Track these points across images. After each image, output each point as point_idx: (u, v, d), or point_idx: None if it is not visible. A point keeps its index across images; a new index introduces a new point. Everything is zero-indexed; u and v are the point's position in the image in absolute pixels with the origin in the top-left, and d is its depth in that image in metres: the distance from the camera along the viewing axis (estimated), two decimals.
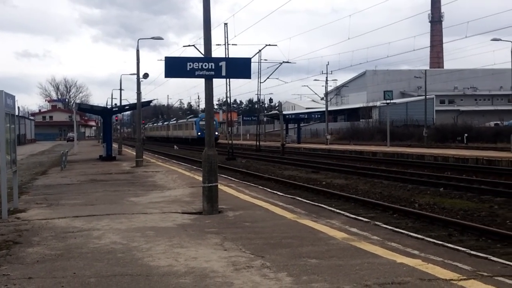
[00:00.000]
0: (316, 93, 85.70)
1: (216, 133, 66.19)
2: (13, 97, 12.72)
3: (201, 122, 68.16)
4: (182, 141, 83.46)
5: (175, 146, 71.02)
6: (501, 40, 41.50)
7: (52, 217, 11.58)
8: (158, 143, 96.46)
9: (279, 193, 16.49)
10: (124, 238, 8.99)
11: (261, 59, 48.58)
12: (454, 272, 6.54)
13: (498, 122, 68.96)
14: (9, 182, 12.72)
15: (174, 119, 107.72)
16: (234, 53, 62.03)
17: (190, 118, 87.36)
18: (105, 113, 41.64)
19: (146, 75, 36.32)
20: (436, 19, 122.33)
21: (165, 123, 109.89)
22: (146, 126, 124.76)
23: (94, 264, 7.23)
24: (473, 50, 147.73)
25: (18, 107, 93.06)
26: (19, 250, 8.22)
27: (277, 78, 59.49)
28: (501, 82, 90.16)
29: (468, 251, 8.23)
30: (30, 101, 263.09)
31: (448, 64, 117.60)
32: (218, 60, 11.91)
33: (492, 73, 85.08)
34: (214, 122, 63.99)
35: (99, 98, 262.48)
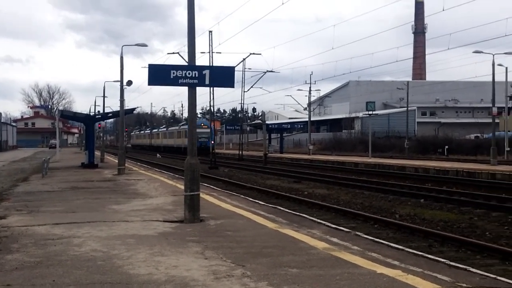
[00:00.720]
0: (299, 103, 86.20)
1: (213, 142, 62.96)
2: None
3: (197, 130, 68.45)
4: (173, 150, 78.29)
5: (158, 155, 70.69)
6: (482, 52, 41.89)
7: (32, 224, 11.47)
8: (144, 152, 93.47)
9: (261, 202, 16.49)
10: (104, 246, 8.93)
11: (245, 68, 48.73)
12: (434, 283, 6.58)
13: (479, 135, 69.60)
14: None
15: (164, 126, 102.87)
16: (219, 61, 62.11)
17: (183, 125, 77.77)
18: (88, 120, 41.57)
19: (129, 83, 36.23)
20: (419, 30, 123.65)
21: (154, 130, 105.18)
22: (132, 133, 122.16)
23: (73, 271, 7.17)
24: (455, 62, 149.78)
25: (0, 113, 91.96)
26: None
27: (260, 87, 59.75)
28: (482, 95, 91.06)
29: (448, 262, 8.28)
30: (12, 107, 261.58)
31: (430, 76, 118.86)
32: (201, 68, 11.90)
33: (474, 86, 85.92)
34: (209, 131, 62.85)
35: (82, 105, 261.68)
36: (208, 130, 66.39)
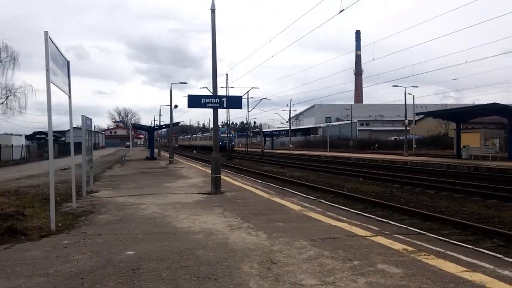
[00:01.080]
0: (283, 118, 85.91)
1: (233, 142, 61.53)
2: (90, 119, 12.62)
3: (222, 135, 59.40)
4: (204, 148, 73.90)
5: (194, 151, 70.32)
6: (398, 86, 42.03)
7: (114, 195, 11.49)
8: (186, 150, 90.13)
9: (259, 181, 16.44)
10: (160, 209, 8.92)
11: (248, 97, 48.75)
12: (368, 231, 6.57)
13: (396, 137, 69.43)
14: (88, 174, 12.63)
15: (200, 132, 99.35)
16: (232, 92, 62.02)
17: (208, 132, 75.22)
18: (149, 130, 42.26)
19: (176, 106, 36.32)
20: (358, 72, 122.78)
21: (193, 135, 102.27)
22: (179, 138, 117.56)
23: (141, 226, 7.18)
24: (381, 92, 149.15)
25: (94, 126, 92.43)
26: (93, 217, 8.14)
27: (259, 109, 61.09)
28: (398, 112, 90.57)
29: (377, 218, 8.26)
30: (102, 122, 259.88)
31: (366, 101, 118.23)
32: (221, 97, 11.89)
33: (393, 107, 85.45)
34: (231, 135, 57.81)
35: (146, 120, 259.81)
36: (229, 135, 62.16)
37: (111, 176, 19.00)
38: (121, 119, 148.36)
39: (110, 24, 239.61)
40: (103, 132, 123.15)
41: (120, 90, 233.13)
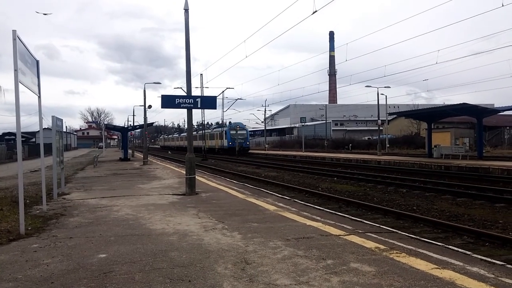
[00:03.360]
0: (258, 118, 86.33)
1: (248, 143, 50.47)
2: (61, 120, 12.31)
3: (232, 132, 48.93)
4: (208, 151, 53.36)
5: (169, 151, 69.08)
6: (371, 86, 42.88)
7: (86, 197, 11.22)
8: (164, 150, 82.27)
9: (234, 181, 16.41)
10: (134, 211, 8.78)
11: (223, 97, 48.44)
12: (341, 230, 6.65)
13: (370, 137, 70.66)
14: (59, 175, 12.31)
15: (194, 129, 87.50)
16: (207, 92, 61.18)
17: (216, 128, 58.79)
18: (123, 130, 41.64)
19: (149, 106, 35.80)
20: (332, 73, 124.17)
21: (169, 136, 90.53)
22: (161, 137, 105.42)
23: (113, 228, 7.04)
24: (354, 92, 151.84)
25: (66, 127, 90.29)
26: (64, 220, 7.93)
27: (234, 109, 60.70)
28: (371, 112, 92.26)
29: (350, 217, 8.38)
30: (74, 123, 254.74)
31: (340, 101, 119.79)
32: (195, 97, 11.78)
33: (366, 107, 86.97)
34: (245, 132, 49.24)
35: (120, 121, 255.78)
36: (245, 132, 50.24)
37: (83, 177, 18.56)
38: (93, 120, 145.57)
39: (81, 23, 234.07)
40: (75, 133, 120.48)
41: (93, 90, 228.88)
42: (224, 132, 50.25)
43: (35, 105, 8.91)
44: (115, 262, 4.98)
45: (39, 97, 8.82)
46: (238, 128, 49.62)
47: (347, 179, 18.86)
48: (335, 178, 19.33)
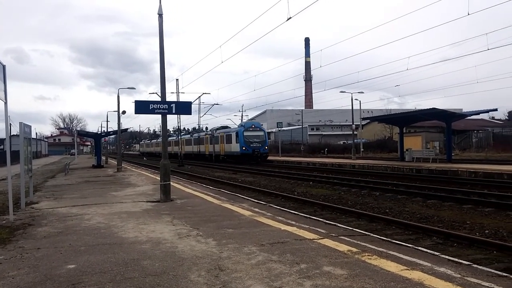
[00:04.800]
0: (235, 123, 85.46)
1: (266, 147, 38.81)
2: (29, 127, 11.93)
3: (246, 133, 37.22)
4: (201, 157, 48.30)
5: (144, 158, 67.91)
6: (345, 92, 43.49)
7: (56, 206, 10.90)
8: (140, 156, 78.40)
9: (210, 187, 16.31)
10: (106, 219, 8.59)
11: (200, 102, 48.07)
12: (315, 234, 6.70)
13: (345, 141, 71.66)
14: (27, 184, 11.94)
15: (186, 132, 71.97)
16: (183, 98, 60.11)
17: (219, 129, 45.41)
18: (96, 137, 40.82)
19: (123, 112, 35.25)
20: (308, 78, 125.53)
21: (141, 142, 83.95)
22: (141, 142, 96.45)
23: (84, 237, 6.86)
24: (329, 97, 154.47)
25: (36, 133, 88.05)
26: (32, 230, 7.67)
27: (211, 114, 59.84)
28: (346, 117, 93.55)
29: (325, 220, 8.45)
30: (45, 129, 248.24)
31: (315, 106, 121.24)
32: (170, 103, 11.65)
33: (341, 112, 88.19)
34: (263, 134, 38.05)
35: (93, 127, 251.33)
36: (262, 133, 38.74)
37: (54, 185, 18.06)
38: (65, 126, 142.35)
39: (52, 26, 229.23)
40: (46, 140, 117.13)
41: (64, 96, 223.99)
42: (235, 134, 37.94)
43: (1, 112, 8.64)
44: (85, 272, 4.85)
45: (6, 103, 8.56)
46: (253, 128, 38.32)
47: (323, 183, 19.01)
48: (311, 182, 19.46)
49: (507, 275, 4.63)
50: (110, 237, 6.87)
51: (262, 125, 41.13)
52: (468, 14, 16.35)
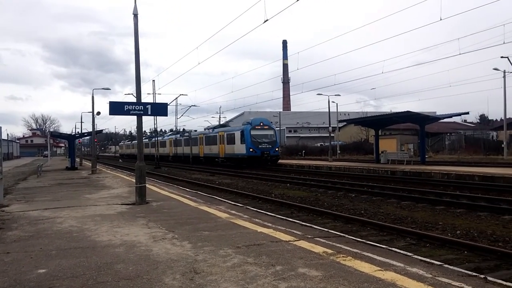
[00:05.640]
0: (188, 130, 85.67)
1: (277, 149, 33.19)
2: None
3: (253, 132, 31.78)
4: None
5: (120, 159, 66.83)
6: (322, 94, 43.97)
7: (27, 209, 10.61)
8: (115, 158, 76.50)
9: (187, 189, 16.19)
10: (79, 223, 8.41)
11: (177, 104, 47.71)
12: (291, 236, 6.73)
13: (322, 143, 72.40)
14: None
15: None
16: (159, 99, 59.16)
17: (217, 127, 40.72)
18: (70, 138, 40.10)
19: (98, 113, 34.78)
20: (286, 81, 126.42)
21: (120, 143, 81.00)
22: (121, 143, 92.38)
23: (56, 241, 6.70)
24: (307, 100, 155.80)
25: (7, 134, 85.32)
26: (1, 234, 7.45)
27: (188, 116, 59.54)
28: (323, 119, 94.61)
29: (301, 222, 8.51)
30: (16, 130, 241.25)
31: (293, 108, 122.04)
32: (145, 104, 11.51)
33: (318, 114, 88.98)
34: (273, 133, 32.70)
35: (67, 128, 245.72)
36: (272, 132, 33.06)
37: (25, 188, 17.56)
38: (38, 127, 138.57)
39: (24, 25, 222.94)
40: (17, 141, 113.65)
41: (37, 96, 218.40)
42: (240, 133, 32.40)
43: None
44: (56, 277, 4.73)
45: None
46: (262, 126, 32.63)
47: (300, 185, 19.13)
48: (288, 184, 19.55)
49: (477, 274, 4.77)
50: (83, 240, 6.72)
51: (271, 122, 35.15)
52: (441, 19, 16.79)
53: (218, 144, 36.61)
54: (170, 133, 55.57)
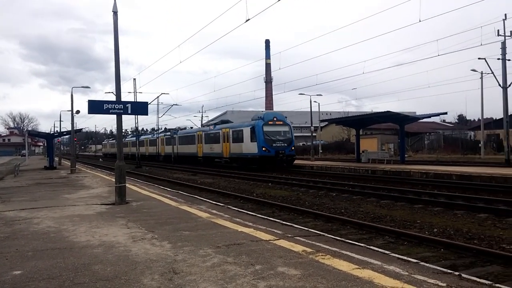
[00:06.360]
0: (195, 124, 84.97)
1: (293, 148, 28.91)
2: None
3: (266, 128, 27.96)
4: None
5: (100, 159, 65.90)
6: (304, 94, 44.33)
7: (4, 210, 10.37)
8: (96, 157, 75.00)
9: (168, 189, 16.08)
10: (56, 223, 8.26)
11: (158, 102, 47.29)
12: (272, 235, 6.76)
13: (304, 143, 72.86)
14: None
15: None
16: (141, 98, 58.31)
17: (218, 124, 36.30)
18: (48, 137, 39.36)
19: (77, 112, 34.06)
20: (268, 80, 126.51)
21: (104, 142, 78.53)
22: (104, 142, 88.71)
23: (32, 242, 6.57)
24: (289, 99, 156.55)
25: None
26: None
27: (170, 115, 59.13)
28: (305, 119, 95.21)
29: (282, 221, 8.54)
30: None
31: (276, 108, 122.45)
32: (125, 103, 11.36)
33: (300, 113, 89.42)
34: (288, 129, 28.83)
35: (46, 127, 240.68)
36: (287, 129, 29.10)
37: (2, 188, 17.14)
38: (16, 126, 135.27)
39: (0, 21, 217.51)
40: None
41: (15, 94, 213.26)
42: (250, 129, 28.49)
43: None
44: (31, 278, 4.65)
45: None
46: (275, 121, 28.73)
47: (282, 184, 19.22)
48: (270, 184, 19.61)
49: (452, 272, 4.88)
50: (60, 241, 6.61)
51: (286, 117, 30.63)
52: (420, 21, 17.10)
53: (221, 143, 32.65)
54: (161, 130, 52.18)
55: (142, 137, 57.89)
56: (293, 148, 28.59)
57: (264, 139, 27.55)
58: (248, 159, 28.91)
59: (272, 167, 27.43)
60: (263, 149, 27.45)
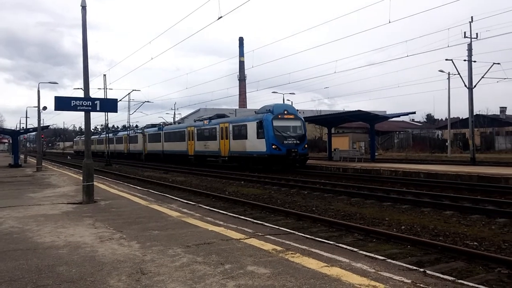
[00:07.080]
0: (168, 122, 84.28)
1: (306, 145, 25.70)
2: None
3: (276, 123, 24.42)
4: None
5: (68, 156, 64.19)
6: (277, 92, 45.03)
7: None
8: (65, 155, 72.75)
9: (138, 187, 15.83)
10: (20, 223, 7.99)
11: (129, 99, 46.48)
12: (242, 234, 6.76)
13: None
14: None
15: (169, 122, 56.79)
16: (111, 94, 56.79)
17: (213, 118, 31.49)
18: (13, 134, 37.95)
19: (44, 108, 33.22)
20: (242, 78, 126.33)
21: (76, 139, 74.95)
22: (77, 139, 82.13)
23: None
24: (262, 97, 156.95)
25: None
26: None
27: (141, 112, 58.18)
28: None
29: (253, 220, 8.55)
30: None
31: (249, 106, 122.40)
32: (94, 99, 11.10)
33: None
34: (301, 124, 25.40)
35: (12, 123, 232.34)
36: (299, 123, 25.63)
37: None
38: None
39: None
40: None
41: None
42: (257, 124, 25.00)
43: None
44: None
45: None
46: (286, 114, 25.22)
47: (254, 182, 19.26)
48: (242, 182, 19.63)
49: (417, 268, 5.02)
50: (23, 242, 6.40)
51: (298, 111, 27.34)
52: (389, 22, 17.47)
53: (218, 140, 29.10)
54: (144, 126, 48.16)
55: (120, 133, 54.28)
56: (306, 146, 25.51)
57: (274, 135, 24.07)
58: (253, 159, 25.60)
59: (282, 167, 24.61)
60: (273, 147, 23.98)
